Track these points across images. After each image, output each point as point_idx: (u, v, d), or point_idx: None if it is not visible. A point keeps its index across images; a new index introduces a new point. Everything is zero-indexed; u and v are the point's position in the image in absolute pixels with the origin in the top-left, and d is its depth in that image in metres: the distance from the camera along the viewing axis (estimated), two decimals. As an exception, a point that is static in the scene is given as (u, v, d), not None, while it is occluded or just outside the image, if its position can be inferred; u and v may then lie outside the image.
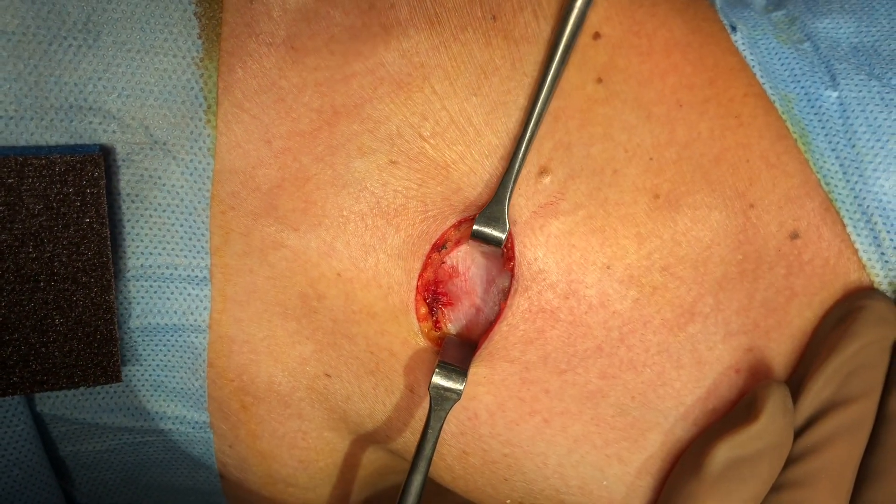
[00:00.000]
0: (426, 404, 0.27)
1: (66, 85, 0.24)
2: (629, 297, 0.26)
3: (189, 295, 0.27)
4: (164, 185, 0.26)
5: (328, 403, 0.28)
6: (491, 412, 0.27)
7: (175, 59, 0.25)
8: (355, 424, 0.29)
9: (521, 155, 0.25)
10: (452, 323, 0.28)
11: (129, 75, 0.25)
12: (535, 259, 0.26)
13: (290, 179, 0.26)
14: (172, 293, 0.27)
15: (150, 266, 0.26)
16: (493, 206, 0.25)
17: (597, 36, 0.26)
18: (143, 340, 0.27)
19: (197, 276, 0.27)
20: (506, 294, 0.27)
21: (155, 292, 0.27)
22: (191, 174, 0.26)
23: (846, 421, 0.25)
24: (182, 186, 0.26)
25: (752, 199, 0.26)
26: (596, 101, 0.26)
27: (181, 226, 0.26)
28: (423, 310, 0.27)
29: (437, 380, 0.25)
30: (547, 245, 0.26)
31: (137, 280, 0.26)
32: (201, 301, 0.27)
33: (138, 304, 0.27)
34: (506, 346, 0.26)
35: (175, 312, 0.27)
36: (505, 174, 0.25)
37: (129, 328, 0.27)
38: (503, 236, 0.25)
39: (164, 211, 0.26)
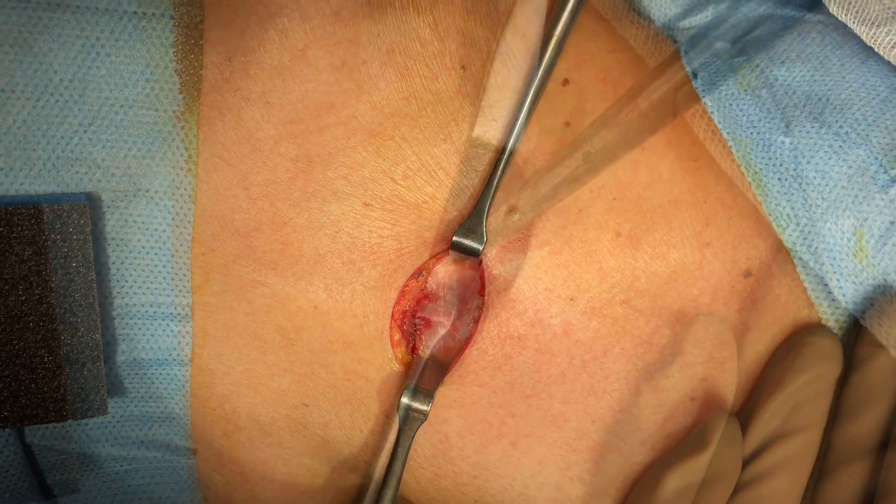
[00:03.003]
0: None
1: (52, 138, 0.25)
2: (591, 327, 0.27)
3: (172, 331, 0.28)
4: (147, 228, 0.27)
5: (307, 431, 0.30)
6: (461, 435, 0.28)
7: (157, 113, 0.26)
8: (334, 451, 0.30)
9: (498, 174, 0.26)
10: (427, 347, 0.29)
11: (113, 128, 0.26)
12: (503, 288, 0.27)
13: (268, 223, 0.27)
14: (156, 330, 0.28)
15: (135, 305, 0.28)
16: (472, 218, 0.27)
17: (566, 82, 0.28)
18: (129, 374, 0.28)
19: (179, 314, 0.28)
20: (477, 319, 0.28)
21: (139, 329, 0.28)
22: (172, 218, 0.27)
23: (790, 452, 0.26)
24: (164, 230, 0.27)
25: (708, 239, 0.27)
26: (563, 143, 0.27)
27: (164, 266, 0.27)
28: (398, 336, 0.28)
29: (405, 400, 0.27)
30: (515, 276, 0.27)
31: (123, 318, 0.28)
32: (183, 337, 0.28)
33: (124, 340, 0.28)
34: (475, 370, 0.27)
35: (159, 348, 0.28)
36: (483, 190, 0.26)
37: (115, 363, 0.28)
38: (481, 247, 0.27)
39: (147, 253, 0.27)
